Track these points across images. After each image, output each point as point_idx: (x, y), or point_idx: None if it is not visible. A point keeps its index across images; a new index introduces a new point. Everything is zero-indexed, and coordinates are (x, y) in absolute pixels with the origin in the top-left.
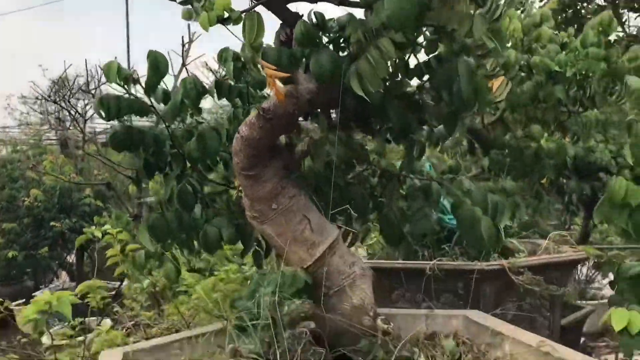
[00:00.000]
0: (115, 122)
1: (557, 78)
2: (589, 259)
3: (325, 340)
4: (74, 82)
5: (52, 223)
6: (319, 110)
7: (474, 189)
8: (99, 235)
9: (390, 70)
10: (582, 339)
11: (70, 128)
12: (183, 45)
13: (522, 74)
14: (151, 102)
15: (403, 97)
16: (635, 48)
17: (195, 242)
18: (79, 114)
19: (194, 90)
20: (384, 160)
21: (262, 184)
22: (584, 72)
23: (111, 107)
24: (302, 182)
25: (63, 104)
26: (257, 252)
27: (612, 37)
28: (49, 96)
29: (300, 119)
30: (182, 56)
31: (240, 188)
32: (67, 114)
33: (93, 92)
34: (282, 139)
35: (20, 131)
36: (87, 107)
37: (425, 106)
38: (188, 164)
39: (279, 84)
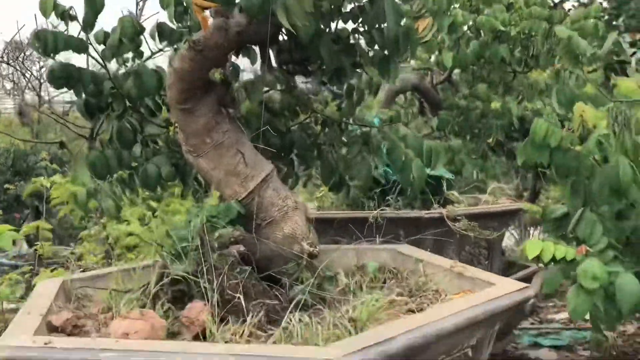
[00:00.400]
0: None
1: (502, 37)
2: (523, 210)
3: (253, 261)
4: (27, 44)
5: (6, 186)
6: (253, 46)
7: (409, 135)
8: (47, 184)
9: (323, 10)
10: (531, 300)
11: (26, 91)
12: (137, 4)
13: (470, 34)
14: (88, 38)
15: (337, 40)
16: (577, 11)
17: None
18: (34, 76)
19: (131, 29)
20: (328, 109)
21: (195, 118)
22: (527, 32)
23: (48, 42)
24: (244, 125)
25: (17, 67)
26: (196, 190)
27: (567, 6)
28: (2, 57)
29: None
30: (137, 14)
31: (176, 123)
32: (22, 76)
33: None
34: (217, 76)
35: None
36: (43, 70)
37: (360, 50)
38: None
39: (206, 13)
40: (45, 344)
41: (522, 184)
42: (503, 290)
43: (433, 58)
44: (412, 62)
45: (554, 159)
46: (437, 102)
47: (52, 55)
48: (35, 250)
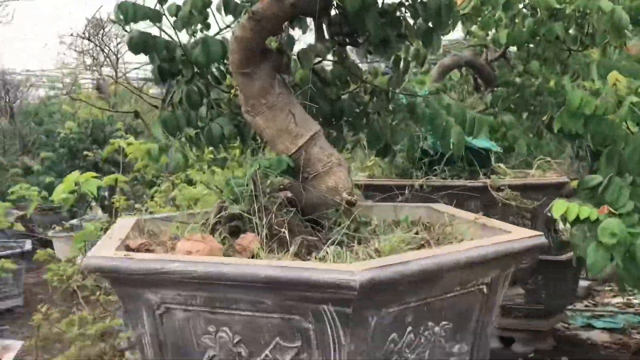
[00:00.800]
0: None
1: (557, 15)
2: (568, 183)
3: (298, 206)
4: (107, 21)
5: (85, 153)
6: (307, 17)
7: (453, 104)
8: (124, 145)
9: None
10: (587, 283)
11: (104, 65)
12: None
13: (526, 11)
14: (162, 10)
15: (384, 13)
16: None
17: None
18: (111, 51)
19: (200, 2)
20: (378, 79)
21: (253, 81)
22: (582, 9)
23: (129, 13)
24: (297, 92)
25: (97, 43)
26: (254, 147)
27: None
28: (84, 33)
29: None
30: None
31: (236, 86)
32: (101, 51)
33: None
34: (273, 44)
35: (57, 69)
36: (119, 46)
37: (405, 22)
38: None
39: None
40: (125, 255)
41: (580, 165)
42: (516, 236)
43: (490, 35)
44: (468, 38)
45: (589, 127)
46: (491, 79)
47: (131, 24)
48: (112, 202)
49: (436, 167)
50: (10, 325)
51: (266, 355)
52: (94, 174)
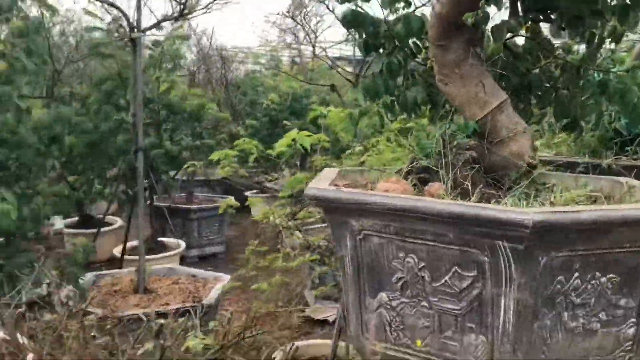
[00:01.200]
0: None
1: None
2: None
3: (481, 164)
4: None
5: (284, 122)
6: None
7: None
8: (325, 112)
9: None
10: None
11: (303, 43)
12: None
13: None
14: None
15: None
16: None
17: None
18: (311, 29)
19: None
20: (570, 56)
21: (448, 53)
22: None
23: None
24: (488, 64)
25: (298, 21)
26: (442, 114)
27: None
28: (287, 11)
29: None
30: None
31: (432, 57)
32: (302, 28)
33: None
34: (469, 19)
35: (260, 47)
36: (318, 24)
37: None
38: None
39: None
40: (336, 188)
41: None
42: None
43: None
44: None
45: None
46: None
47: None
48: (312, 162)
49: (628, 148)
50: (214, 268)
51: (445, 281)
52: (308, 133)
